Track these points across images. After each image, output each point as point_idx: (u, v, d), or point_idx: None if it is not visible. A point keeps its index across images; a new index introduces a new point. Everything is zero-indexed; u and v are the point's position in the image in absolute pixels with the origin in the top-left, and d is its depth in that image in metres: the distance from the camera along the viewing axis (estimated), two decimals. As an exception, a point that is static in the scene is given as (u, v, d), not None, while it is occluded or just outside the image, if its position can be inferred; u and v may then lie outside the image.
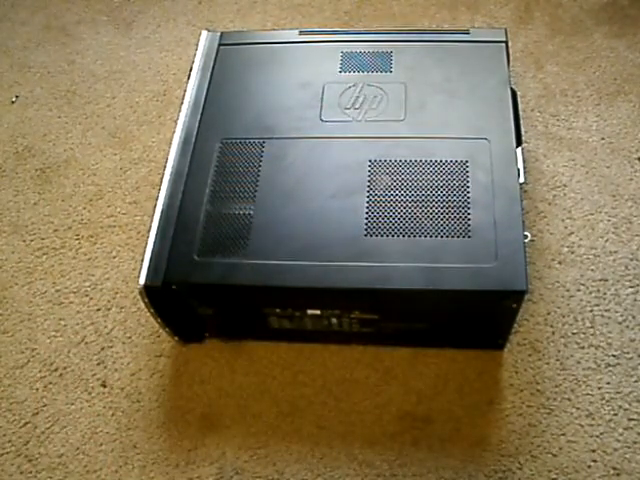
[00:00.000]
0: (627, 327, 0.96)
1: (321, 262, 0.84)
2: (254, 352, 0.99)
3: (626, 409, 0.90)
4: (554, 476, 0.86)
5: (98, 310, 1.06)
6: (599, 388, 0.92)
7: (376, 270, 0.83)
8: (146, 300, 0.87)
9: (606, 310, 0.98)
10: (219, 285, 0.86)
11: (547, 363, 0.94)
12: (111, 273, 1.09)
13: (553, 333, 0.97)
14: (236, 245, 0.87)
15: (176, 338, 0.97)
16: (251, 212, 0.89)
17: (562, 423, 0.90)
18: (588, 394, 0.91)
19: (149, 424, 0.94)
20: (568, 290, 1.00)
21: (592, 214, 1.08)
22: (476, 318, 0.90)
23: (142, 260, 0.87)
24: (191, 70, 1.06)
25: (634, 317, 0.97)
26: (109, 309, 1.06)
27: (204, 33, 1.11)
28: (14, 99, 1.36)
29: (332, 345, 0.98)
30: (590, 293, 1.00)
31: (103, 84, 1.36)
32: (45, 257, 1.13)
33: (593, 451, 0.87)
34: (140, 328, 1.03)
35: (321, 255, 0.85)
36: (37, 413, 0.97)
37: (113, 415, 0.96)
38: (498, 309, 0.85)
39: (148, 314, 0.91)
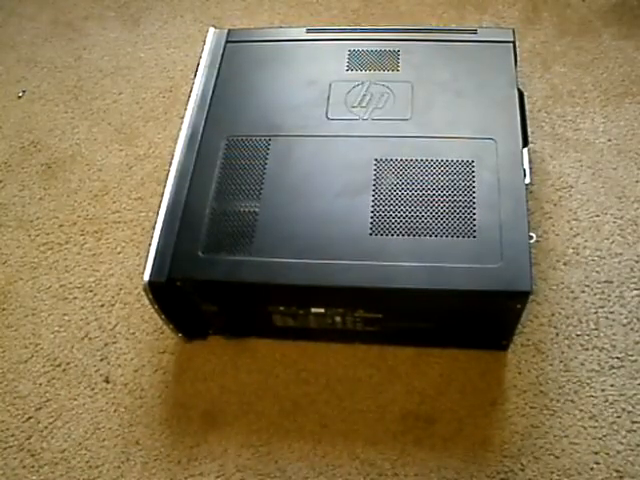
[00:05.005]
0: (631, 329, 0.96)
1: (326, 260, 0.84)
2: (257, 350, 0.99)
3: (630, 411, 0.90)
4: (556, 478, 0.86)
5: (102, 306, 1.06)
6: (603, 390, 0.92)
7: (381, 269, 0.83)
8: (150, 296, 0.87)
9: (611, 312, 0.98)
10: (223, 282, 0.86)
11: (551, 364, 0.94)
12: (115, 269, 1.10)
13: (557, 334, 0.96)
14: (241, 242, 0.87)
15: (180, 335, 0.98)
16: (256, 210, 0.89)
17: (565, 425, 0.89)
18: (591, 396, 0.91)
19: (152, 420, 0.95)
20: (573, 291, 1.00)
21: (598, 216, 1.07)
22: (480, 318, 0.90)
23: (147, 256, 0.88)
24: (198, 67, 1.06)
25: (639, 319, 0.97)
26: (113, 305, 1.06)
27: (211, 30, 1.11)
28: (21, 94, 1.36)
29: (336, 344, 0.98)
30: (595, 295, 0.99)
31: (110, 80, 1.37)
32: (50, 252, 1.13)
33: (596, 453, 0.87)
34: (144, 324, 1.03)
35: (326, 253, 0.84)
36: (40, 408, 0.97)
37: (116, 411, 0.96)
38: (502, 309, 0.85)
39: (152, 310, 0.91)
